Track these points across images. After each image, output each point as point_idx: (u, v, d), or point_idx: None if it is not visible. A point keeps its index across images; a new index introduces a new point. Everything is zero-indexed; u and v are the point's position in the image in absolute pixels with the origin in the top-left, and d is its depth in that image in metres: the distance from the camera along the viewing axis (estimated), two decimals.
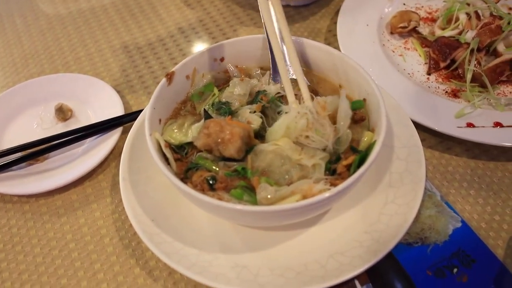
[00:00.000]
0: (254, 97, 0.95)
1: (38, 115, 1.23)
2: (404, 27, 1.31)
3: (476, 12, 1.27)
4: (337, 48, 1.15)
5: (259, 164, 0.82)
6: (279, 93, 0.93)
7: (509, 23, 1.19)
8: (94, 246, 0.99)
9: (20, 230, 1.03)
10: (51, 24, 1.56)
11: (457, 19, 1.28)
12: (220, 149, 0.83)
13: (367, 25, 1.35)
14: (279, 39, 0.95)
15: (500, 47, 1.19)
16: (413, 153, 0.95)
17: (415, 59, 1.28)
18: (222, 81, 1.02)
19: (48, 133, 1.13)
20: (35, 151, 1.09)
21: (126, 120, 1.14)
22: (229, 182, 0.81)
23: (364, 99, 0.91)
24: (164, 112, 0.95)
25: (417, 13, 1.34)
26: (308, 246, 0.88)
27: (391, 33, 1.34)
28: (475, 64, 1.16)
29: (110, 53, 1.42)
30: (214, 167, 0.84)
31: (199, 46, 1.42)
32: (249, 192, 0.79)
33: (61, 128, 1.19)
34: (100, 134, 1.13)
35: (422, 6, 1.43)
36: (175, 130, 0.91)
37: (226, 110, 0.91)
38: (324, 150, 0.83)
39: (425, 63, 1.26)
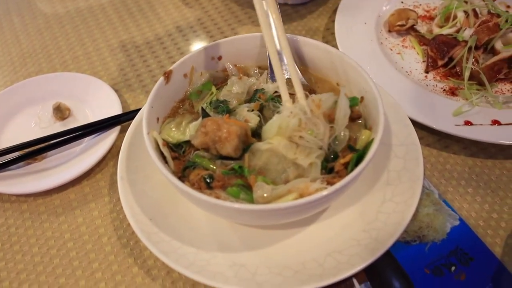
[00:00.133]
0: (252, 96, 0.95)
1: (36, 114, 1.22)
2: (402, 25, 1.31)
3: (474, 10, 1.27)
4: (335, 46, 1.15)
5: (256, 162, 0.82)
6: (277, 91, 0.93)
7: (506, 20, 1.19)
8: (92, 245, 0.99)
9: (18, 230, 1.03)
10: (49, 23, 1.56)
11: (455, 17, 1.28)
12: (217, 147, 0.83)
13: (365, 23, 1.35)
14: (275, 38, 0.95)
15: (498, 45, 1.19)
16: (411, 151, 0.95)
17: (413, 57, 1.28)
18: (221, 80, 1.02)
19: (46, 132, 1.13)
20: (33, 150, 1.08)
21: (124, 119, 1.14)
22: (226, 180, 0.81)
23: (362, 97, 0.91)
24: (162, 110, 0.95)
25: (415, 11, 1.34)
26: (306, 244, 0.88)
27: (389, 31, 1.34)
28: (473, 62, 1.16)
29: (108, 52, 1.42)
30: (211, 166, 0.84)
31: (197, 45, 1.42)
32: (246, 190, 0.79)
33: (59, 127, 1.19)
34: (98, 133, 1.13)
35: (420, 4, 1.43)
36: (173, 129, 0.92)
37: (224, 108, 0.91)
38: (320, 148, 0.83)
39: (423, 61, 1.26)
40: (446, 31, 1.26)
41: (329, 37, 1.39)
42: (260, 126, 0.88)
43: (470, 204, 1.00)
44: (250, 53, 1.03)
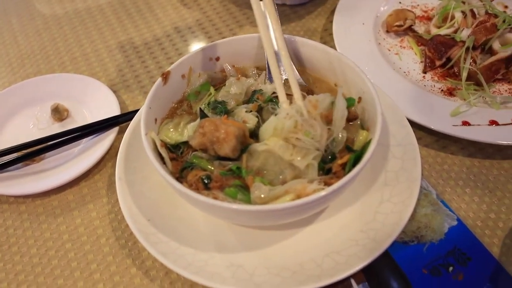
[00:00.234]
0: (250, 97, 0.95)
1: (34, 115, 1.22)
2: (400, 26, 1.32)
3: (471, 11, 1.27)
4: (333, 47, 1.15)
5: (254, 163, 0.82)
6: (275, 92, 0.93)
7: (504, 21, 1.19)
8: (90, 246, 0.99)
9: (16, 231, 1.03)
10: (47, 24, 1.56)
11: (453, 18, 1.28)
12: (215, 148, 0.83)
13: (363, 23, 1.35)
14: (273, 38, 0.95)
15: (496, 45, 1.19)
16: (408, 151, 0.95)
17: (411, 58, 1.28)
18: (219, 81, 1.02)
19: (44, 133, 1.13)
20: (31, 152, 1.08)
21: (122, 120, 1.14)
22: (224, 181, 0.81)
23: (360, 98, 0.91)
24: (160, 111, 0.95)
25: (412, 12, 1.34)
26: (304, 245, 0.88)
27: (387, 31, 1.34)
28: (470, 63, 1.17)
29: (106, 53, 1.42)
30: (209, 166, 0.84)
31: (196, 46, 1.42)
32: (243, 191, 0.79)
33: (57, 128, 1.19)
34: (96, 134, 1.13)
35: (418, 5, 1.43)
36: (171, 130, 0.92)
37: (222, 109, 0.91)
38: (317, 149, 0.82)
39: (421, 62, 1.26)
40: (444, 31, 1.26)
41: (327, 38, 1.40)
42: (258, 127, 0.88)
43: (468, 204, 1.00)
44: (248, 54, 1.03)
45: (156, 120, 0.92)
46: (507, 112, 1.10)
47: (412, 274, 0.89)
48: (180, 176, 0.85)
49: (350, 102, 0.90)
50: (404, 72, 1.23)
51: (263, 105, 0.91)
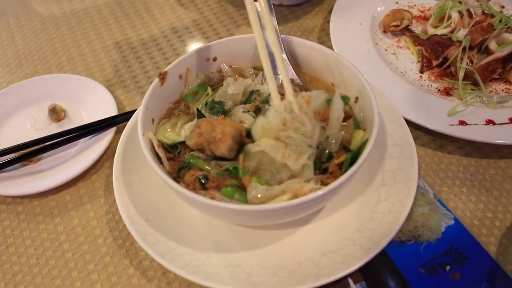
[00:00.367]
0: (248, 97, 0.95)
1: (31, 115, 1.22)
2: (396, 26, 1.32)
3: (468, 10, 1.27)
4: (330, 47, 1.15)
5: (250, 163, 0.82)
6: None
7: (500, 21, 1.20)
8: (88, 246, 0.99)
9: (14, 231, 1.03)
10: (44, 24, 1.55)
11: (449, 18, 1.28)
12: (211, 148, 0.83)
13: (360, 23, 1.35)
14: (266, 36, 0.94)
15: (492, 45, 1.19)
16: (405, 151, 0.95)
17: (407, 58, 1.28)
18: (216, 81, 1.02)
19: (42, 134, 1.13)
20: (29, 152, 1.08)
21: (119, 120, 1.14)
22: (221, 181, 0.82)
23: (357, 98, 0.91)
24: (157, 112, 0.95)
25: (409, 12, 1.35)
26: (301, 245, 0.88)
27: (384, 31, 1.35)
28: (467, 62, 1.17)
29: (104, 53, 1.42)
30: (206, 166, 0.84)
31: (193, 46, 1.42)
32: (240, 191, 0.79)
33: (54, 128, 1.19)
34: (93, 135, 1.13)
35: (415, 5, 1.44)
36: (168, 130, 0.92)
37: (219, 109, 0.92)
38: (309, 146, 0.81)
39: (418, 62, 1.26)
40: (440, 31, 1.27)
41: (324, 38, 1.40)
42: None
43: (464, 204, 1.00)
44: (245, 54, 1.03)
45: (153, 120, 0.92)
46: (503, 111, 1.10)
47: (409, 273, 0.89)
48: (177, 176, 0.86)
49: (345, 100, 0.89)
50: (401, 72, 1.24)
51: (261, 105, 0.91)
